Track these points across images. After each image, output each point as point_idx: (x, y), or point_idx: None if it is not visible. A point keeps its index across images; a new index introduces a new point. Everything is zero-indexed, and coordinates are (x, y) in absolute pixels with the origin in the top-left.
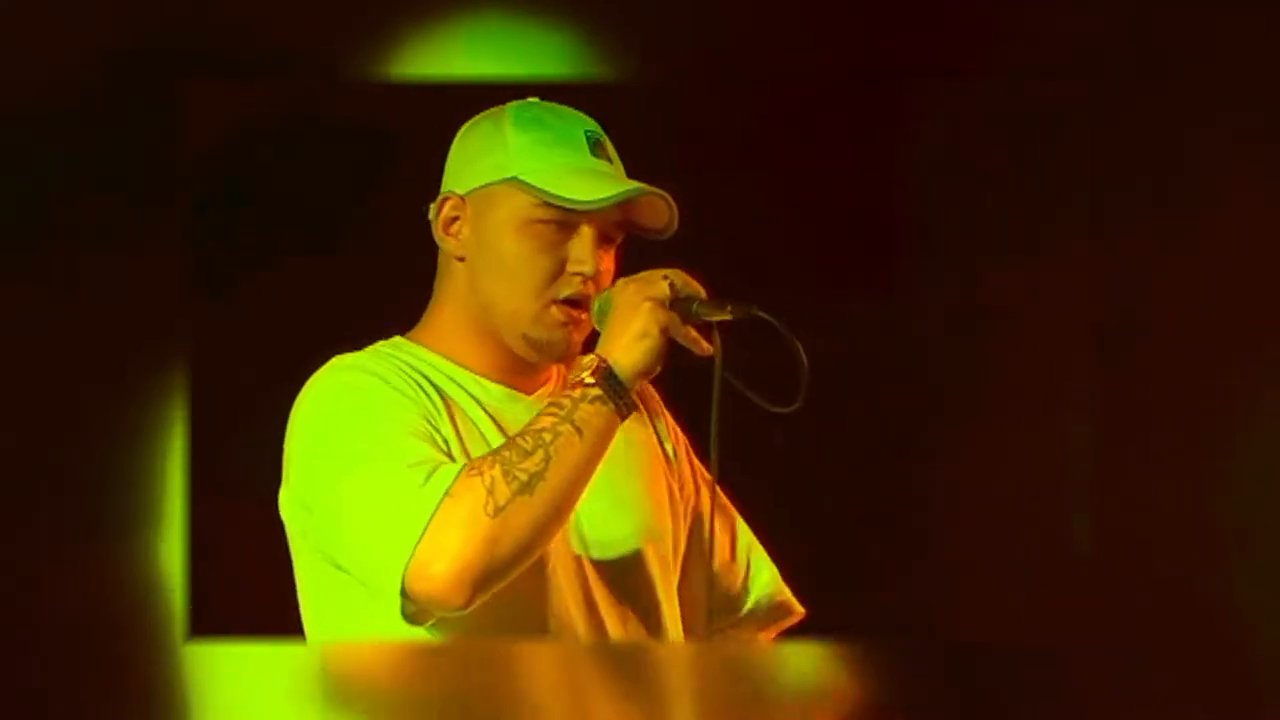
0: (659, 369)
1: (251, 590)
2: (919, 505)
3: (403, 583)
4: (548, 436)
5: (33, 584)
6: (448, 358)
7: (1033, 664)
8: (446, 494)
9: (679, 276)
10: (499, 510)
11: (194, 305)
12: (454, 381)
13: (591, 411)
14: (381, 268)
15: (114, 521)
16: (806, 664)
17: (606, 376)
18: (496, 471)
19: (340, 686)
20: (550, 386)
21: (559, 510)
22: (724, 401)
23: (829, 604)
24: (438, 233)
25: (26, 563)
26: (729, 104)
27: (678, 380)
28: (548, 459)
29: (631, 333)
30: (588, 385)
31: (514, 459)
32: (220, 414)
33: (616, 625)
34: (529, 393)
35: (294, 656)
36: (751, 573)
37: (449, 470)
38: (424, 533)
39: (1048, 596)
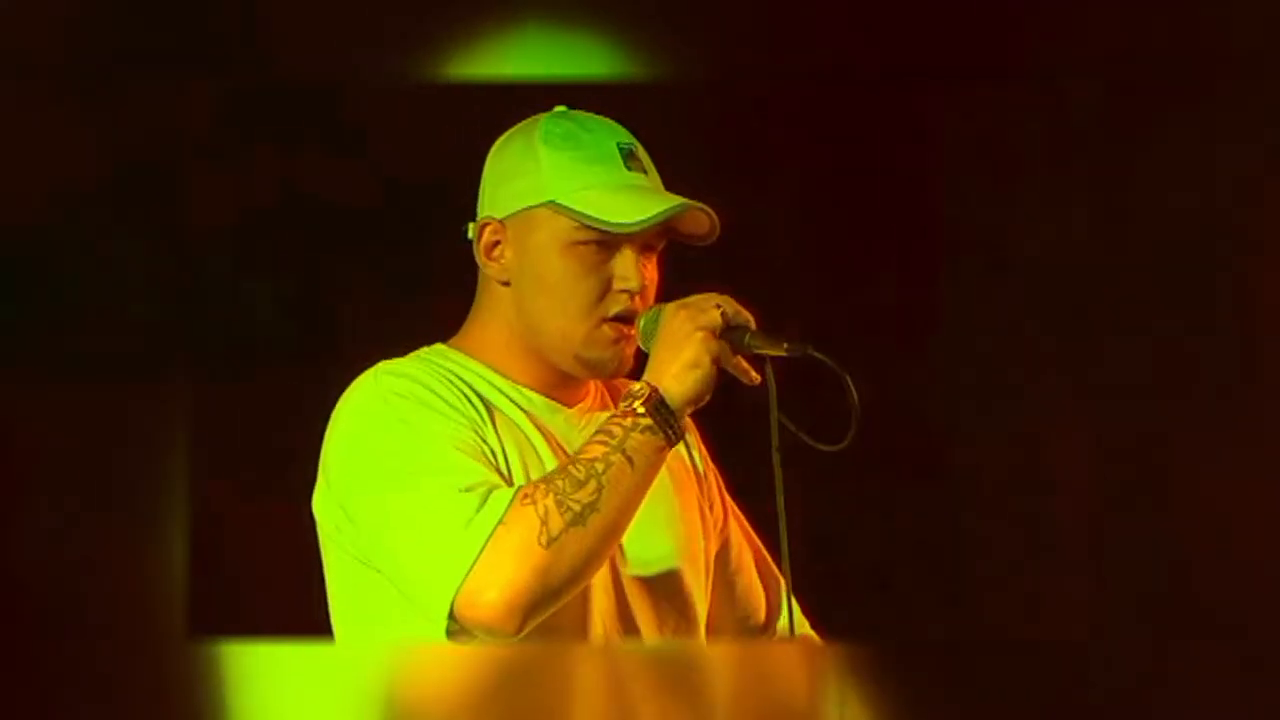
0: (708, 398)
1: (253, 590)
2: (939, 510)
3: (452, 608)
4: (600, 466)
5: (35, 584)
6: (491, 367)
7: (1051, 662)
8: (500, 523)
9: (730, 304)
10: (552, 541)
11: (196, 309)
12: (498, 390)
13: (642, 441)
14: (383, 275)
15: (116, 521)
16: (834, 666)
17: (658, 406)
18: (550, 501)
19: (344, 686)
20: (589, 400)
21: (610, 539)
22: (771, 432)
23: (850, 609)
24: (480, 258)
25: (28, 563)
26: (766, 106)
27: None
28: (600, 489)
29: (682, 362)
30: (639, 414)
31: (567, 489)
32: (222, 417)
33: (657, 636)
34: (570, 405)
35: (296, 656)
36: (775, 605)
37: (502, 497)
38: (476, 561)
39: (1066, 596)
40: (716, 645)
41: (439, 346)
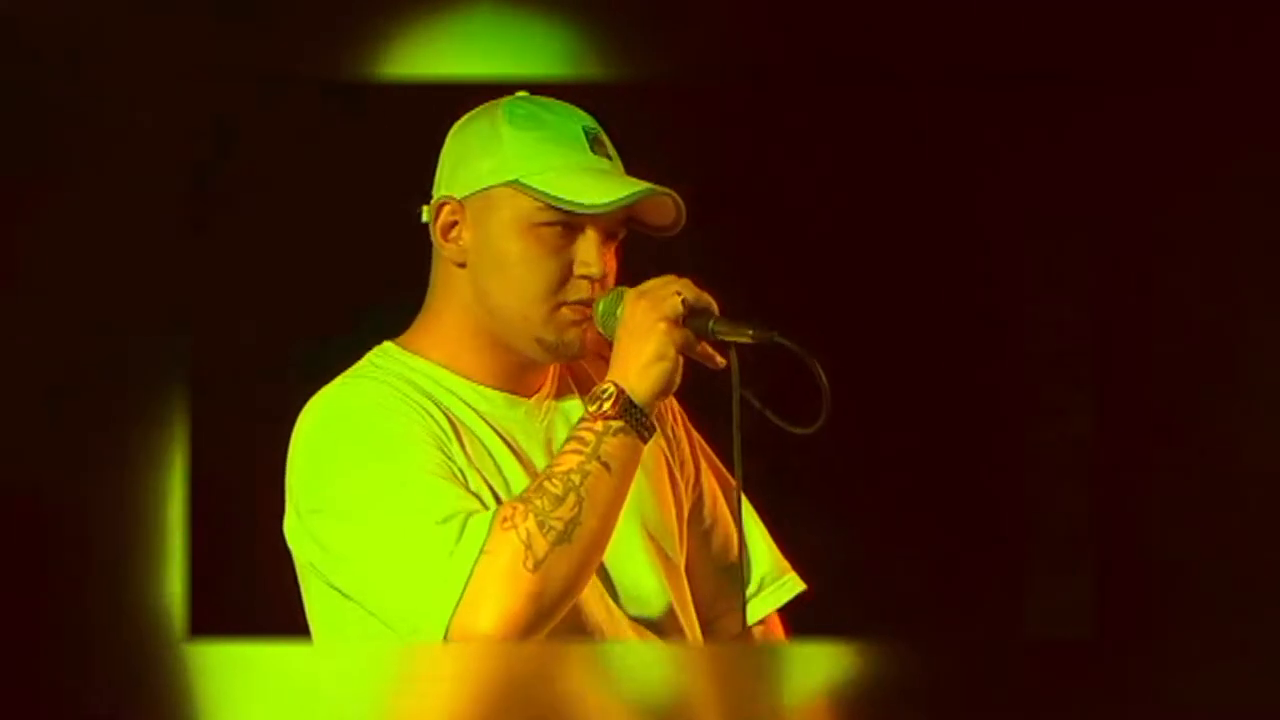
0: (676, 386)
1: (253, 590)
2: (939, 508)
3: (447, 642)
4: (576, 478)
5: (33, 584)
6: (445, 366)
7: (1045, 661)
8: (483, 551)
9: (689, 289)
10: (539, 564)
11: (193, 306)
12: (454, 394)
13: (616, 444)
14: (371, 270)
15: (115, 519)
16: (823, 665)
17: (627, 407)
18: (531, 524)
19: (342, 687)
20: (547, 387)
21: (597, 549)
22: (743, 416)
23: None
24: (436, 239)
25: (26, 563)
26: (725, 102)
27: (696, 392)
28: (580, 502)
29: (646, 357)
30: (609, 417)
31: (547, 507)
32: (220, 417)
33: (631, 631)
34: (528, 395)
35: (296, 656)
36: (753, 551)
37: (480, 523)
38: (464, 593)
39: (1069, 594)
40: (699, 646)
41: (388, 347)
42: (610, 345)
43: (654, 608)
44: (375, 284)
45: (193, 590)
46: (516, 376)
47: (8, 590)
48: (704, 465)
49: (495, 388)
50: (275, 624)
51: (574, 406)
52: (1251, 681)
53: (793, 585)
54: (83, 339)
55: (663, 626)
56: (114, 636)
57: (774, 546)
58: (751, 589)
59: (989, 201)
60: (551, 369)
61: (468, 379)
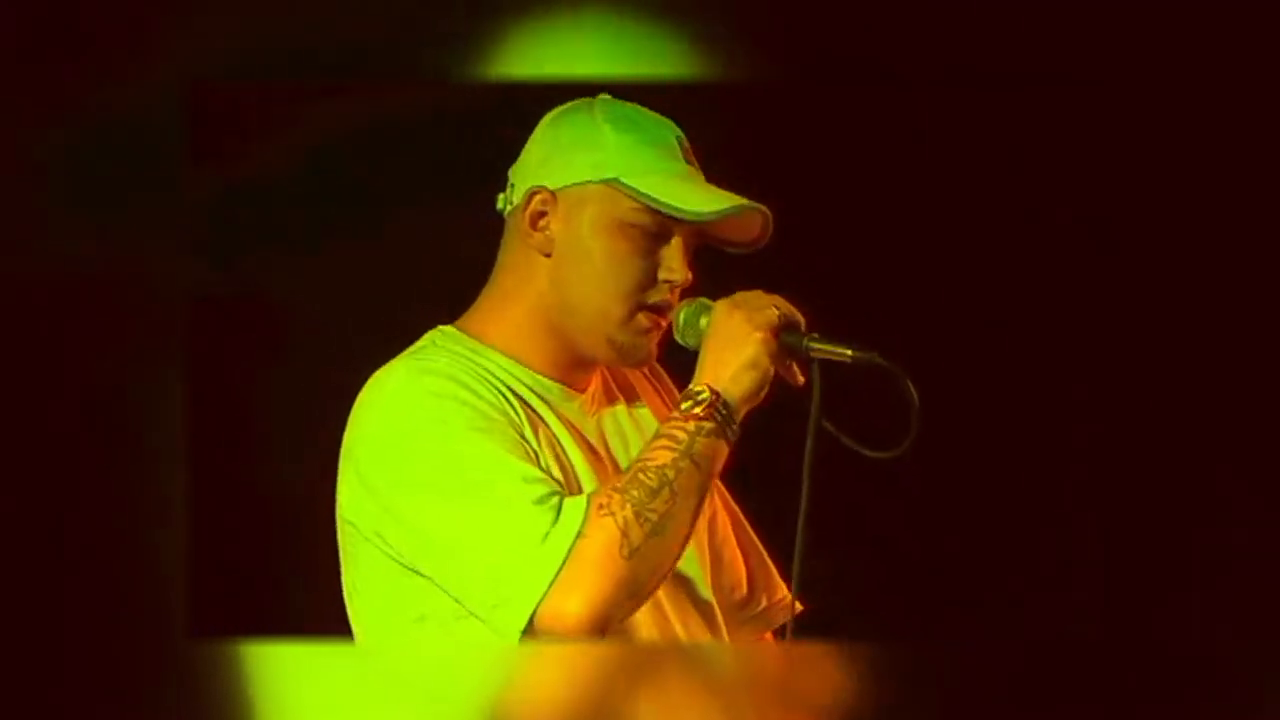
0: (762, 398)
1: (254, 589)
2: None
3: (534, 623)
4: (670, 473)
5: (32, 583)
6: (506, 353)
7: (1055, 664)
8: (579, 535)
9: (784, 304)
10: (634, 552)
11: (194, 304)
12: (520, 382)
13: (706, 444)
14: (385, 266)
15: (114, 519)
16: (824, 665)
17: (720, 410)
18: (628, 513)
19: (343, 687)
20: (594, 387)
21: (682, 545)
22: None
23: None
24: (523, 226)
25: (26, 561)
26: (723, 104)
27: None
28: (674, 496)
29: (741, 362)
30: (701, 418)
31: (643, 499)
32: (220, 411)
33: (680, 626)
34: (582, 390)
35: (296, 655)
36: (758, 573)
37: (575, 507)
38: (558, 574)
39: (1076, 594)
40: (737, 645)
41: (450, 330)
42: (648, 367)
43: (700, 599)
44: (374, 282)
45: (193, 590)
46: (571, 372)
47: (7, 591)
48: (713, 492)
49: (552, 379)
50: (276, 624)
51: (621, 410)
52: (1253, 682)
53: (792, 606)
54: (82, 336)
55: (708, 617)
56: (114, 637)
57: (773, 567)
58: (756, 608)
59: (991, 202)
60: (599, 372)
61: (529, 368)
